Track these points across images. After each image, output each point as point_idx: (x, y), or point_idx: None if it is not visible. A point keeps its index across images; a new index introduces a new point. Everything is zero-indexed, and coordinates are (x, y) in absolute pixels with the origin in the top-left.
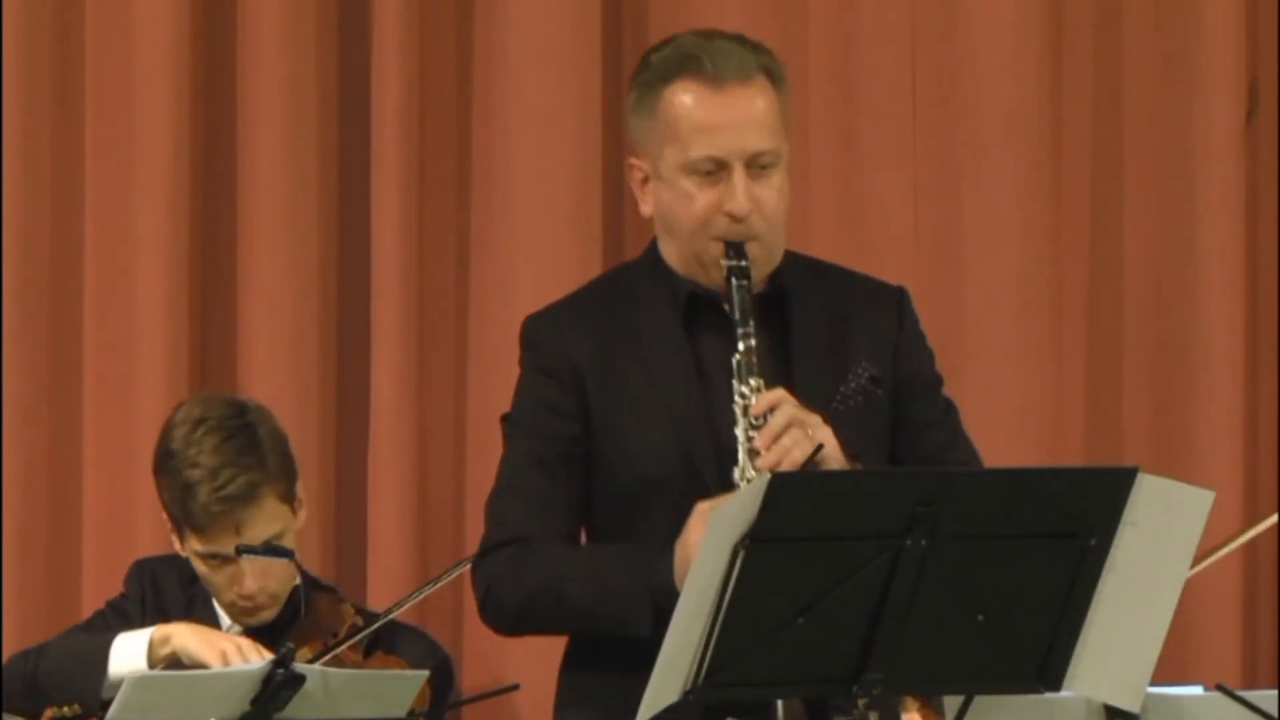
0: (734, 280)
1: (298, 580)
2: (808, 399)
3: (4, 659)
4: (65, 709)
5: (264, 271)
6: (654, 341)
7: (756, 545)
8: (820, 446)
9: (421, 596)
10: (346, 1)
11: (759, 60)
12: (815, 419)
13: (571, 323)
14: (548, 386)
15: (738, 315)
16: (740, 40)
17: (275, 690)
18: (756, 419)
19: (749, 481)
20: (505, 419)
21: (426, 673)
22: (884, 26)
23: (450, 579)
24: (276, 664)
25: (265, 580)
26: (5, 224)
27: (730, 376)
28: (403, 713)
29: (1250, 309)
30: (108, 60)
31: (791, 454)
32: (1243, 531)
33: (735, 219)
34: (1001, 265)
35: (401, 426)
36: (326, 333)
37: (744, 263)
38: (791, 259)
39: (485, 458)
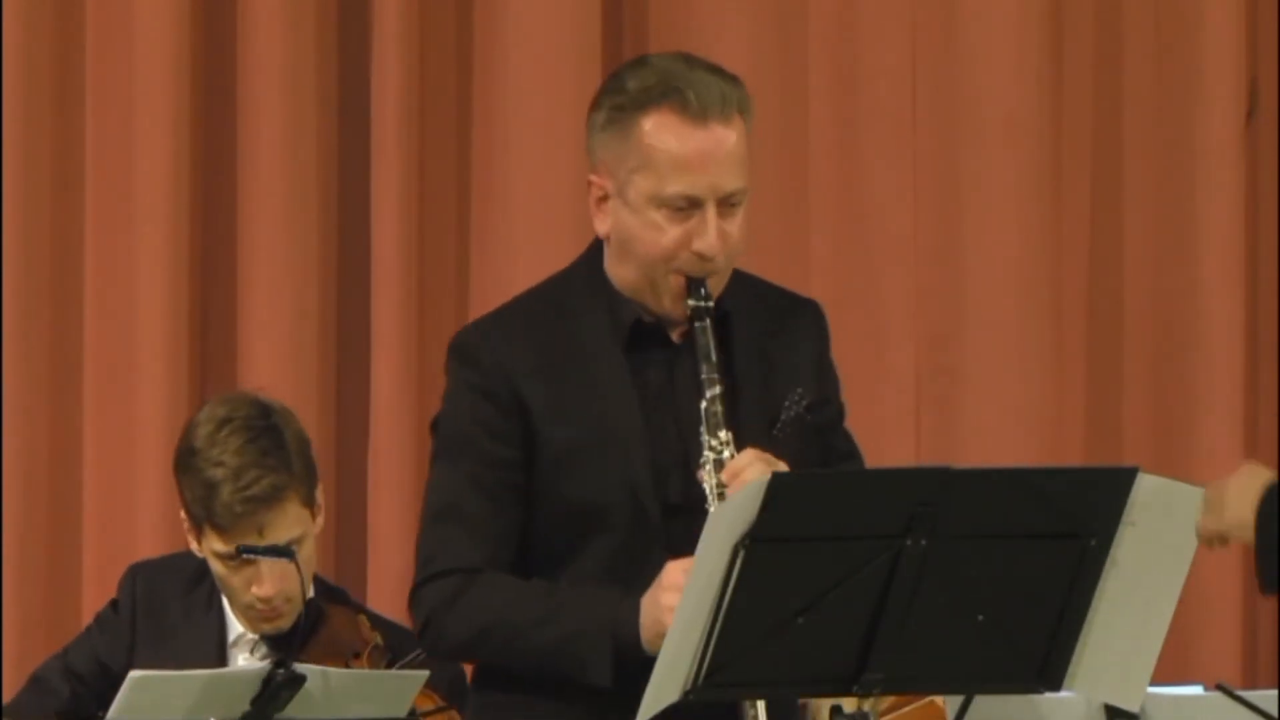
0: (696, 323)
1: (311, 592)
2: (749, 423)
3: (3, 659)
4: None
5: (264, 271)
6: (595, 367)
7: (756, 545)
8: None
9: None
10: (346, 1)
11: (737, 94)
12: (779, 464)
13: (510, 341)
14: (487, 409)
15: (701, 361)
16: (719, 72)
17: (275, 690)
18: (724, 481)
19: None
20: (436, 430)
21: (426, 673)
22: (884, 26)
23: None
24: (277, 664)
25: (284, 584)
26: (5, 224)
27: (666, 403)
28: (403, 713)
29: (1250, 309)
30: (108, 60)
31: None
32: None
33: (704, 259)
34: (1001, 265)
35: (401, 426)
36: (326, 333)
37: (708, 303)
38: (732, 279)
39: None
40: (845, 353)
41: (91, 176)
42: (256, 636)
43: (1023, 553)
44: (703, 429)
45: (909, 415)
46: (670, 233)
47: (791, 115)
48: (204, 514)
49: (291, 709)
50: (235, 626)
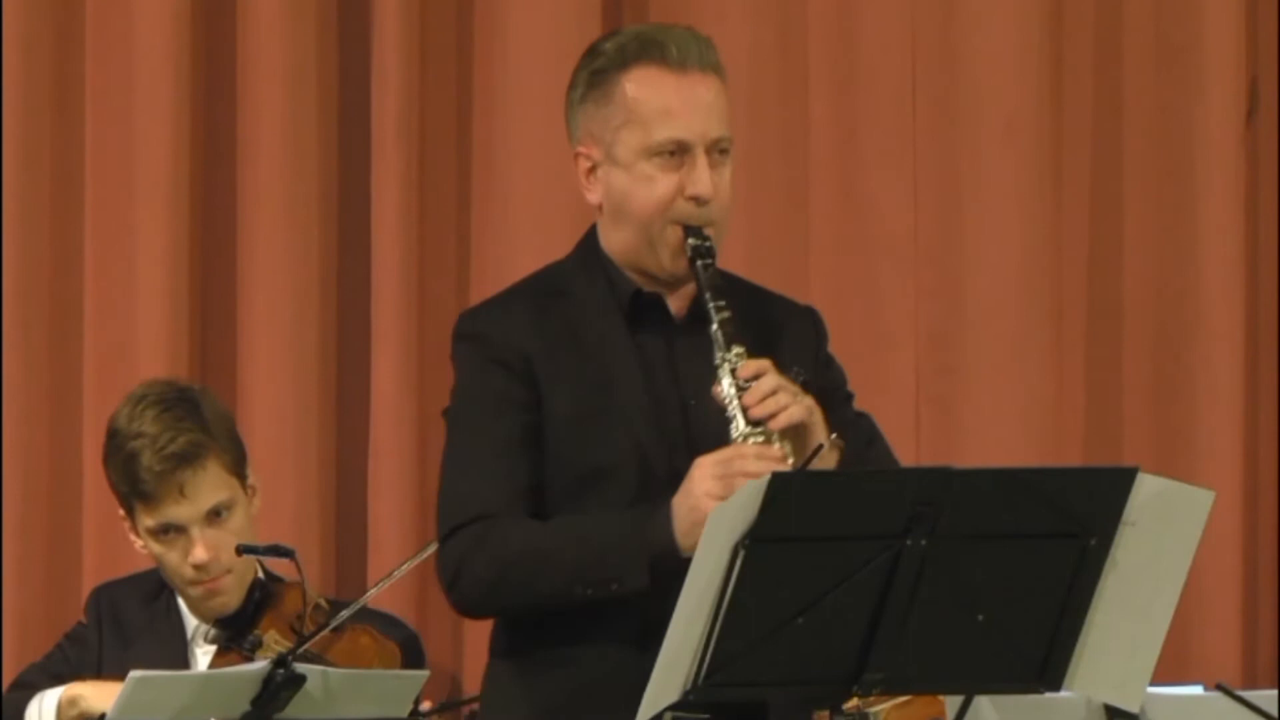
0: (699, 261)
1: (259, 573)
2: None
3: (3, 659)
4: None
5: (264, 271)
6: (597, 336)
7: (756, 545)
8: (820, 446)
9: (391, 580)
10: (346, 1)
11: (712, 54)
12: (797, 389)
13: (512, 314)
14: (501, 375)
15: (707, 292)
16: (694, 32)
17: (275, 690)
18: (744, 382)
19: (744, 438)
20: (450, 412)
21: (426, 673)
22: (884, 27)
23: (419, 560)
24: (276, 664)
25: (217, 551)
26: (5, 224)
27: (671, 378)
28: (403, 713)
29: (1250, 309)
30: (108, 60)
31: (789, 411)
32: None
33: (700, 201)
34: (1001, 265)
35: (401, 426)
36: (326, 333)
37: (708, 242)
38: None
39: None
40: (845, 353)
41: (91, 176)
42: (210, 627)
43: (1023, 553)
44: (716, 348)
45: (909, 415)
46: (663, 182)
47: (791, 115)
48: (130, 487)
49: (291, 709)
50: (191, 622)
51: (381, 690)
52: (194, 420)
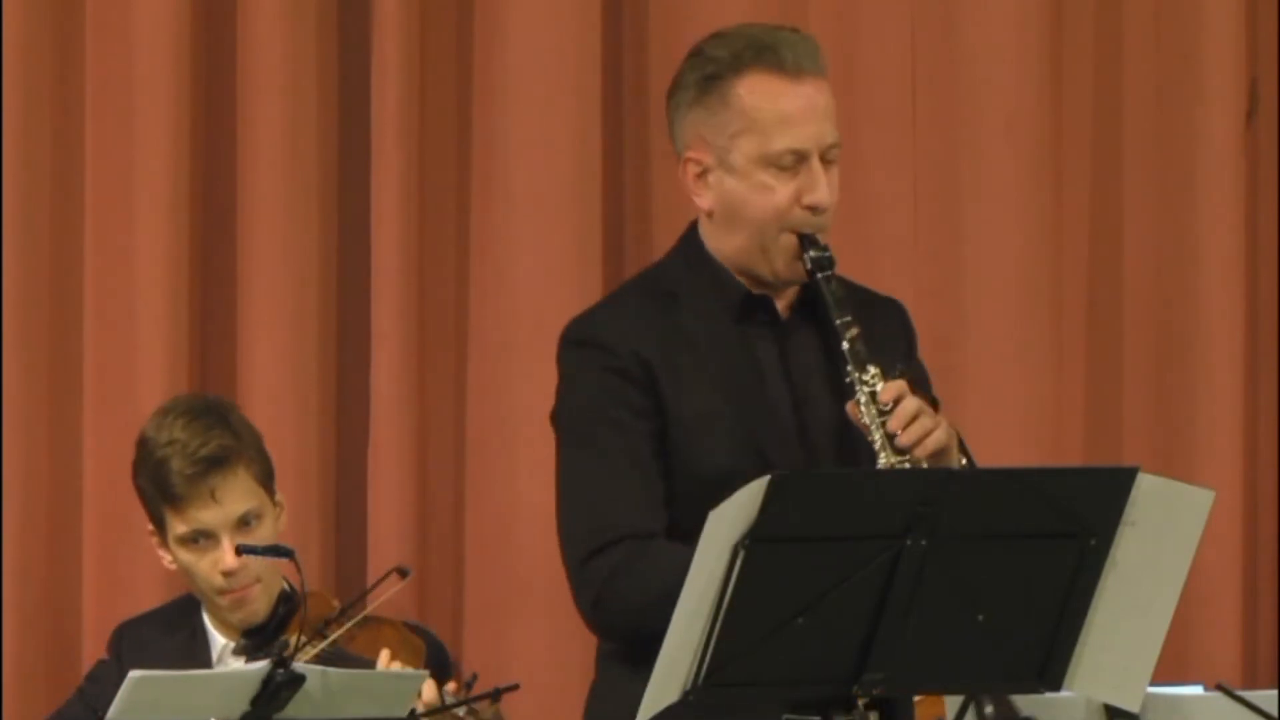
0: (820, 273)
1: (285, 584)
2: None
3: (3, 658)
4: None
5: (264, 271)
6: (709, 338)
7: (756, 545)
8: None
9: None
10: (346, 1)
11: (821, 57)
12: (932, 411)
13: (628, 319)
14: (620, 383)
15: (834, 306)
16: (806, 36)
17: (275, 690)
18: (884, 406)
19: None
20: (560, 420)
21: (426, 673)
22: (884, 27)
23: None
24: (277, 664)
25: (246, 559)
26: (5, 224)
27: (782, 379)
28: (403, 713)
29: (1250, 309)
30: (108, 60)
31: (935, 437)
32: None
33: (818, 210)
34: (1001, 265)
35: (401, 426)
36: (326, 333)
37: (828, 253)
38: None
39: (485, 458)
40: None
41: (91, 176)
42: (237, 638)
43: (1023, 553)
44: (849, 368)
45: None
46: (781, 191)
47: None
48: (160, 494)
49: (291, 709)
50: (218, 642)
51: (381, 690)
52: (223, 428)
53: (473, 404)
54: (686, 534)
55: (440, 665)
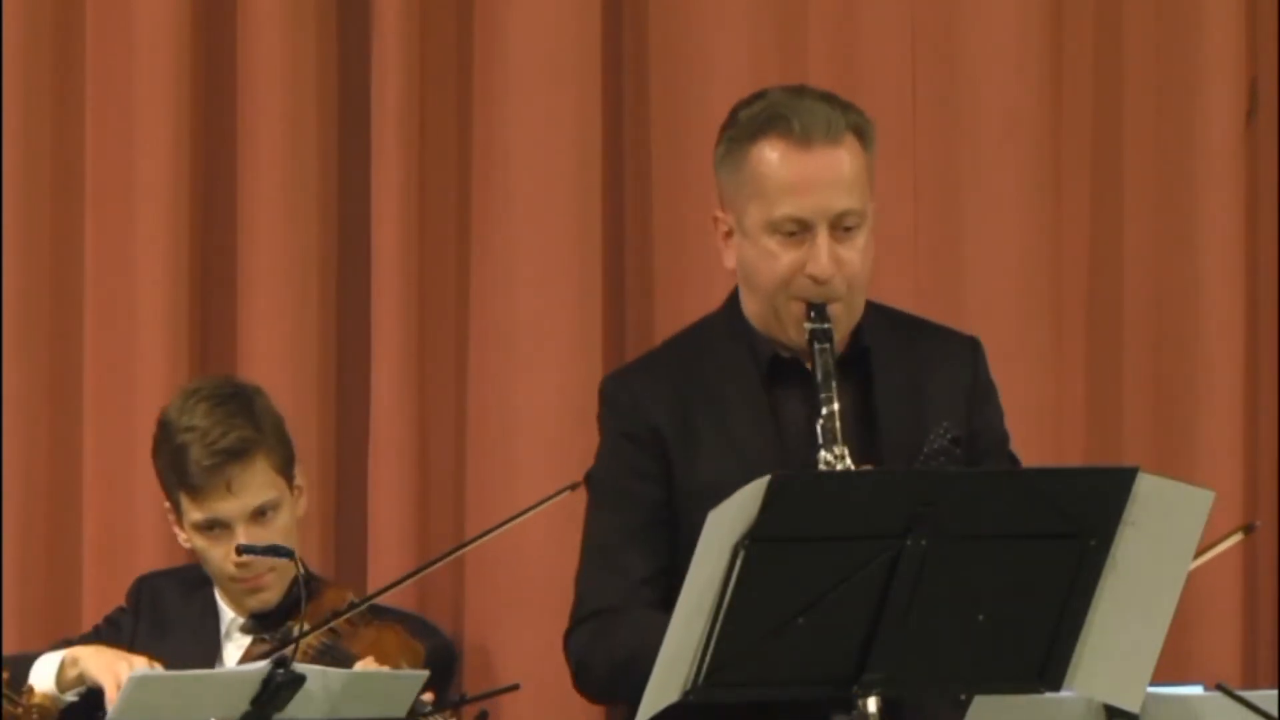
0: (816, 344)
1: (302, 572)
2: (892, 458)
3: (4, 658)
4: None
5: (264, 271)
6: (735, 402)
7: (756, 545)
8: None
9: (421, 574)
10: (346, 1)
11: (847, 119)
12: None
13: (651, 384)
14: (631, 451)
15: (820, 379)
16: (830, 99)
17: (275, 690)
18: None
19: None
20: (589, 480)
21: (426, 673)
22: (884, 27)
23: (449, 560)
24: (277, 664)
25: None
26: (5, 224)
27: (811, 438)
28: (403, 713)
29: (1250, 309)
30: (108, 60)
31: None
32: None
33: (817, 281)
34: (1001, 265)
35: (401, 426)
36: (326, 333)
37: (826, 325)
38: (870, 311)
39: (485, 458)
40: None
41: (91, 176)
42: (247, 619)
43: (1023, 553)
44: (820, 446)
45: None
46: (784, 259)
47: None
48: (177, 479)
49: (291, 709)
50: (227, 616)
51: (381, 690)
52: (245, 417)
53: (473, 404)
54: None
55: (445, 669)
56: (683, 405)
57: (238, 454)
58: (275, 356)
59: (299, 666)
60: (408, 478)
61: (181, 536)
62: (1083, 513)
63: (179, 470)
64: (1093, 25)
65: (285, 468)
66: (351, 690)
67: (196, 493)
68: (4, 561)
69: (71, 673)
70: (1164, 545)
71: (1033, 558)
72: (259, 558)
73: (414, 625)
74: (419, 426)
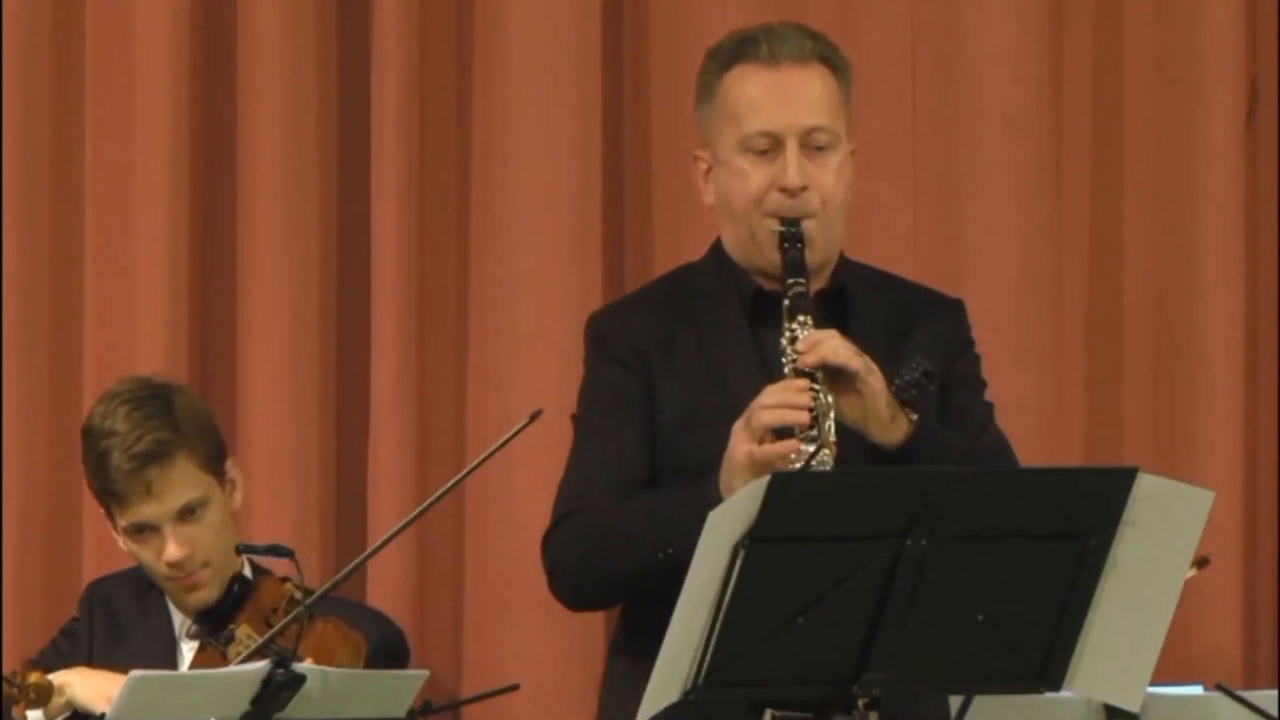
0: (786, 245)
1: (245, 569)
2: None
3: (2, 659)
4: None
5: (264, 271)
6: (719, 335)
7: (756, 545)
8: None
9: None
10: (346, 1)
11: (816, 46)
12: (866, 358)
13: (635, 314)
14: (618, 374)
15: (789, 270)
16: (801, 28)
17: (275, 690)
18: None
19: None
20: (574, 421)
21: (426, 673)
22: (884, 26)
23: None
24: (277, 664)
25: (192, 547)
26: (5, 224)
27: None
28: (402, 713)
29: (1250, 309)
30: (108, 60)
31: (827, 345)
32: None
33: (789, 193)
34: (1001, 265)
35: (401, 426)
36: (326, 333)
37: (796, 229)
38: (857, 266)
39: None
40: None
41: (91, 176)
42: (193, 618)
43: (1023, 553)
44: (784, 320)
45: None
46: (756, 177)
47: None
48: (103, 487)
49: (291, 709)
50: (178, 617)
51: (381, 690)
52: (162, 419)
53: (473, 403)
54: None
55: (393, 656)
56: (667, 334)
57: (155, 457)
58: (275, 356)
59: (299, 666)
60: (408, 478)
61: (118, 538)
62: (1083, 512)
63: (102, 477)
64: (1093, 25)
65: (212, 464)
66: (351, 690)
67: (119, 499)
68: (4, 561)
69: (59, 700)
70: (1164, 545)
71: (1033, 558)
72: (191, 555)
73: (357, 616)
74: (419, 426)
